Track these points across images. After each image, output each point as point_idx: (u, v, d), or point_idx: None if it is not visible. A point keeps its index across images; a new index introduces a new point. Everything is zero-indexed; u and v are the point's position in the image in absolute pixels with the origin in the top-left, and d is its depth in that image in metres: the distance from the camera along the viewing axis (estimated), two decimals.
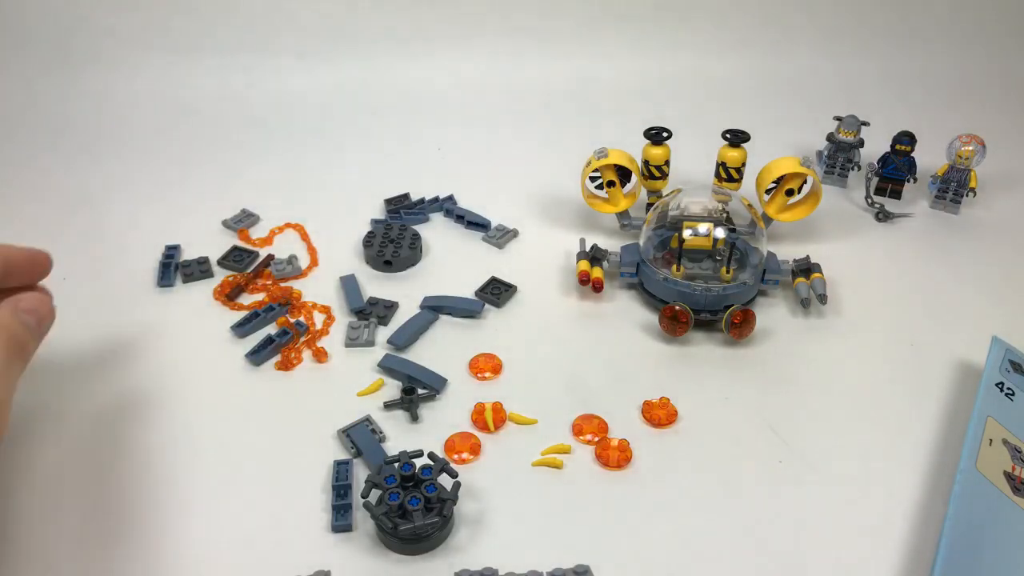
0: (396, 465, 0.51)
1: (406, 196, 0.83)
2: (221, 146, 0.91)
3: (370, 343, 0.65)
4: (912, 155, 0.81)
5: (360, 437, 0.56)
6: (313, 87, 1.01)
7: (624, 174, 0.74)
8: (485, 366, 0.63)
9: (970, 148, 0.78)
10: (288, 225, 0.78)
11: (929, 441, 0.58)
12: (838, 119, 0.85)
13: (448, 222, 0.80)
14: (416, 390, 0.60)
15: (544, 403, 0.60)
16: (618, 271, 0.70)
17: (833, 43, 1.08)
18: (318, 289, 0.71)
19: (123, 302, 0.68)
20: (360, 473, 0.54)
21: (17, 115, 0.95)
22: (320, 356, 0.64)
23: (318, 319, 0.68)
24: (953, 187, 0.81)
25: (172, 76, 1.00)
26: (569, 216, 0.80)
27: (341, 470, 0.54)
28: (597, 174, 0.74)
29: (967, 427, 0.56)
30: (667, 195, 0.72)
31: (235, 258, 0.74)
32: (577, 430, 0.58)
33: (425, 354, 0.64)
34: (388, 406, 0.60)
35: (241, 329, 0.65)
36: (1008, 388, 0.58)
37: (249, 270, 0.72)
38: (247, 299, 0.70)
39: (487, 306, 0.69)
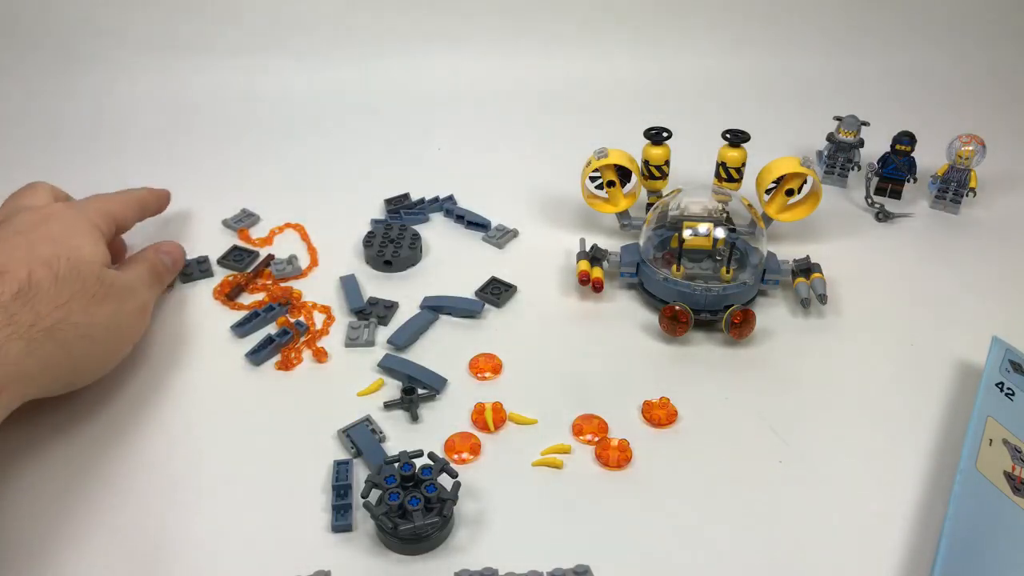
0: (396, 465, 0.51)
1: (406, 196, 0.83)
2: (221, 146, 0.91)
3: (370, 343, 0.65)
4: (912, 155, 0.81)
5: (360, 437, 0.56)
6: (313, 87, 1.01)
7: (624, 174, 0.74)
8: (485, 366, 0.63)
9: (970, 148, 0.78)
10: (288, 225, 0.78)
11: (929, 441, 0.58)
12: (838, 119, 0.84)
13: (448, 222, 0.80)
14: (416, 390, 0.60)
15: (544, 403, 0.60)
16: (618, 271, 0.70)
17: (833, 43, 1.08)
18: (318, 289, 0.71)
19: None
20: (360, 473, 0.54)
21: (17, 115, 0.95)
22: (320, 356, 0.64)
23: (318, 319, 0.67)
24: (953, 187, 0.81)
25: (172, 76, 1.00)
26: (569, 216, 0.80)
27: (341, 470, 0.54)
28: (597, 174, 0.74)
29: (967, 427, 0.56)
30: (667, 195, 0.72)
31: (235, 258, 0.74)
32: (577, 430, 0.58)
33: (425, 354, 0.64)
34: (388, 406, 0.59)
35: (241, 329, 0.65)
36: (1008, 388, 0.58)
37: (249, 270, 0.72)
38: (247, 299, 0.70)
39: (487, 306, 0.69)
